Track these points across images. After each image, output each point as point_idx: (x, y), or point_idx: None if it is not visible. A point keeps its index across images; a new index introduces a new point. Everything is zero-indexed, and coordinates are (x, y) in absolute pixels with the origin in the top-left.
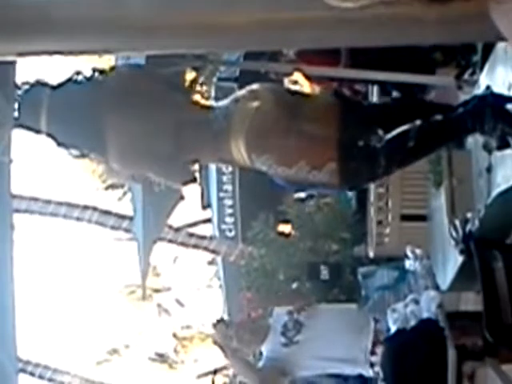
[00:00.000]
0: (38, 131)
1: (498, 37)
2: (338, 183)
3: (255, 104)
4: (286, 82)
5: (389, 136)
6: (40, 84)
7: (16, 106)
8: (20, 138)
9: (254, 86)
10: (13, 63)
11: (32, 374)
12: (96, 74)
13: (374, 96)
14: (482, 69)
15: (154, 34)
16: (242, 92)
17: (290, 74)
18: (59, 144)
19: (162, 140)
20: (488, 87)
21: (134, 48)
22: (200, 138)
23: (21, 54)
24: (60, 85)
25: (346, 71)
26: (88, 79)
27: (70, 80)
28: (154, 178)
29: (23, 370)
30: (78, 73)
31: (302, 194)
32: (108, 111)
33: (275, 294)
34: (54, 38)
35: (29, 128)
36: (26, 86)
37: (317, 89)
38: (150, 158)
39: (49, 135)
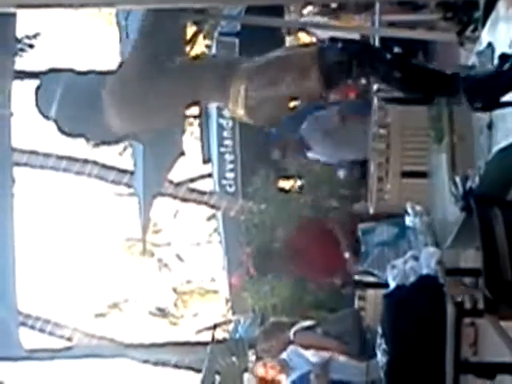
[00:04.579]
0: (48, 117)
1: None
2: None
3: None
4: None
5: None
6: (54, 71)
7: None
8: (20, 91)
9: None
10: (13, 15)
11: (32, 328)
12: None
13: None
14: (483, 25)
15: None
16: None
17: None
18: (65, 133)
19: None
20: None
21: (135, 1)
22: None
23: (20, 6)
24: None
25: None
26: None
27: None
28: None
29: (24, 324)
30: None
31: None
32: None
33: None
34: None
35: (42, 114)
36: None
37: None
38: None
39: (55, 122)
